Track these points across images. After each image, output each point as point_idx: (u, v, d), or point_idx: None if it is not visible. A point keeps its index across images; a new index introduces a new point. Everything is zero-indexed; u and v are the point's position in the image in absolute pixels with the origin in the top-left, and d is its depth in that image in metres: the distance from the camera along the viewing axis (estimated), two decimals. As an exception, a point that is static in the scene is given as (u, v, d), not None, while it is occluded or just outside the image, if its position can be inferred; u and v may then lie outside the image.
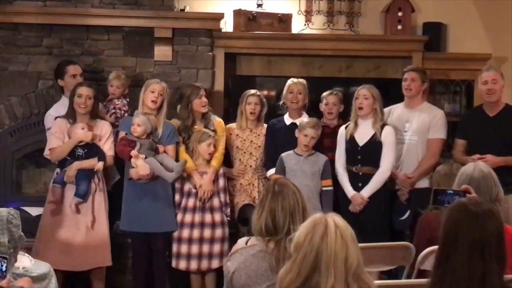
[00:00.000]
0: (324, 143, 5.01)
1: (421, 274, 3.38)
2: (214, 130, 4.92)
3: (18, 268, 3.34)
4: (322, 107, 5.18)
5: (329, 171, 4.80)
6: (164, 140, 4.79)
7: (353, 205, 4.75)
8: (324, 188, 4.78)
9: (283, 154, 4.83)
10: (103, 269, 4.80)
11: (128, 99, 5.13)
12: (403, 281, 3.51)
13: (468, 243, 2.23)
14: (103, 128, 4.77)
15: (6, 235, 3.16)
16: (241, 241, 2.89)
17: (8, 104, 5.42)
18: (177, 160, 4.78)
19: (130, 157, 4.64)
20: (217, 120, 5.02)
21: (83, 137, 4.63)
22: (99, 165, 4.64)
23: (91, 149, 4.66)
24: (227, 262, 2.84)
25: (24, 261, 3.46)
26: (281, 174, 4.72)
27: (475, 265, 2.21)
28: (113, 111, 5.01)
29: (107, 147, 4.74)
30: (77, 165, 4.62)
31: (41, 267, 3.56)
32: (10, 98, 5.42)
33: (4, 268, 2.82)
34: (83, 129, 4.65)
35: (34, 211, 5.10)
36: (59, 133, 4.70)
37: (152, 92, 4.77)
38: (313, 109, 5.29)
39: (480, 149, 4.67)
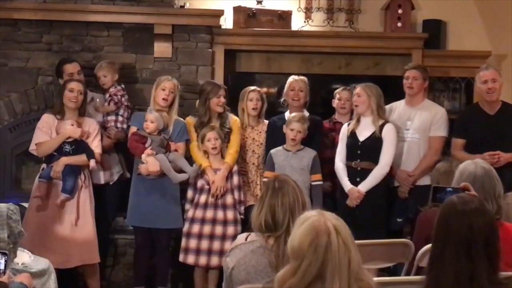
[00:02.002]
0: (336, 140, 5.00)
1: (420, 271, 3.38)
2: (229, 128, 4.90)
3: (18, 264, 3.35)
4: (335, 102, 5.17)
5: (318, 165, 4.78)
6: (174, 137, 4.78)
7: (350, 199, 4.74)
8: (313, 183, 4.76)
9: (272, 151, 4.81)
10: (96, 266, 4.73)
11: (122, 85, 5.09)
12: (402, 278, 3.51)
13: (455, 242, 2.20)
14: (91, 126, 4.74)
15: (5, 231, 3.17)
16: (240, 237, 2.90)
17: (7, 100, 5.42)
18: (186, 157, 4.78)
19: (141, 152, 4.63)
20: (233, 119, 4.96)
21: (72, 133, 4.58)
22: (92, 163, 4.60)
23: (79, 146, 4.62)
24: (226, 257, 2.84)
25: (23, 257, 3.47)
26: (271, 171, 4.71)
27: (463, 265, 2.17)
28: (110, 98, 4.99)
29: (95, 144, 4.70)
30: (65, 160, 4.56)
31: (41, 263, 3.57)
32: (10, 94, 5.42)
33: (3, 264, 2.83)
34: (72, 125, 4.60)
35: (33, 207, 5.09)
36: (46, 128, 4.66)
37: (163, 90, 4.75)
38: (322, 105, 5.28)
39: (482, 147, 4.66)
